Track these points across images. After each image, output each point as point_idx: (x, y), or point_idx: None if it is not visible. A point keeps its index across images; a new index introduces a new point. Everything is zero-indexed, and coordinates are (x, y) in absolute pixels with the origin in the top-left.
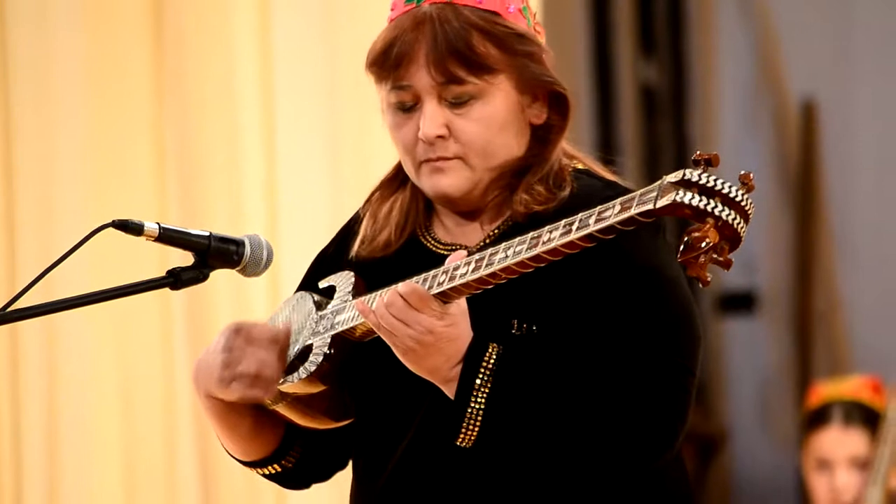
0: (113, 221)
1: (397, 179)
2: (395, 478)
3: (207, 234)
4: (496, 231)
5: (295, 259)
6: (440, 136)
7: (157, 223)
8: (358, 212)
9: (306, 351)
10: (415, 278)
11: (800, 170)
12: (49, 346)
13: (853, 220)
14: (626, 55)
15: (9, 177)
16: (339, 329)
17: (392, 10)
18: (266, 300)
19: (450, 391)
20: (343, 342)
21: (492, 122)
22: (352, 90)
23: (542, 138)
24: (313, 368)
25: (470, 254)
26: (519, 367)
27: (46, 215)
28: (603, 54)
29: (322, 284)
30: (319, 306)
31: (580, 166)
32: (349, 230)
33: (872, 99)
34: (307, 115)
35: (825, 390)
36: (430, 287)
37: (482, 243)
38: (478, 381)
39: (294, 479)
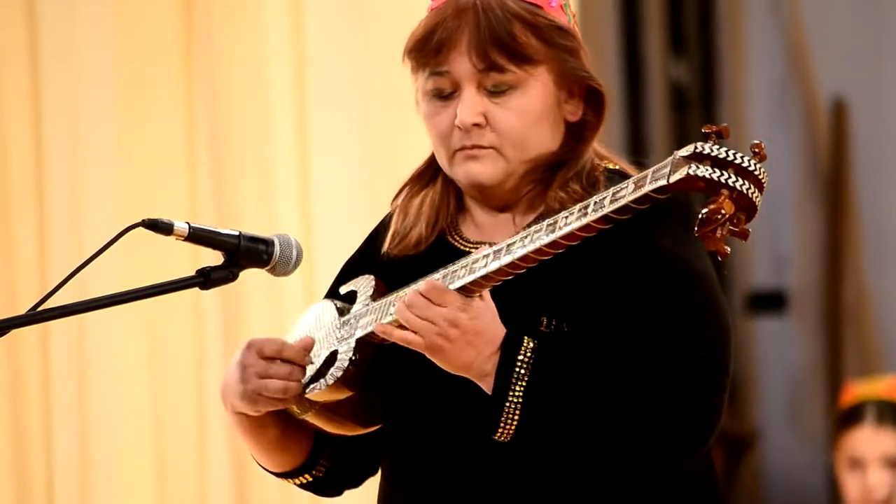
0: (143, 221)
1: (428, 173)
2: (425, 476)
3: (237, 233)
4: (530, 225)
5: (329, 257)
6: (476, 125)
7: (187, 222)
8: (387, 215)
9: (332, 358)
10: (433, 274)
11: (830, 168)
12: (80, 347)
13: (883, 219)
14: (656, 53)
15: (39, 176)
16: (363, 333)
17: (433, 1)
18: (301, 299)
19: (486, 386)
20: (367, 346)
21: (529, 113)
22: (386, 85)
23: (576, 135)
24: (339, 374)
25: None
26: (555, 360)
27: (77, 214)
28: (633, 52)
29: (343, 290)
30: (342, 312)
31: (611, 166)
32: (376, 234)
33: None
34: (340, 111)
35: (859, 389)
36: (451, 282)
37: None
38: (515, 375)
39: (326, 487)
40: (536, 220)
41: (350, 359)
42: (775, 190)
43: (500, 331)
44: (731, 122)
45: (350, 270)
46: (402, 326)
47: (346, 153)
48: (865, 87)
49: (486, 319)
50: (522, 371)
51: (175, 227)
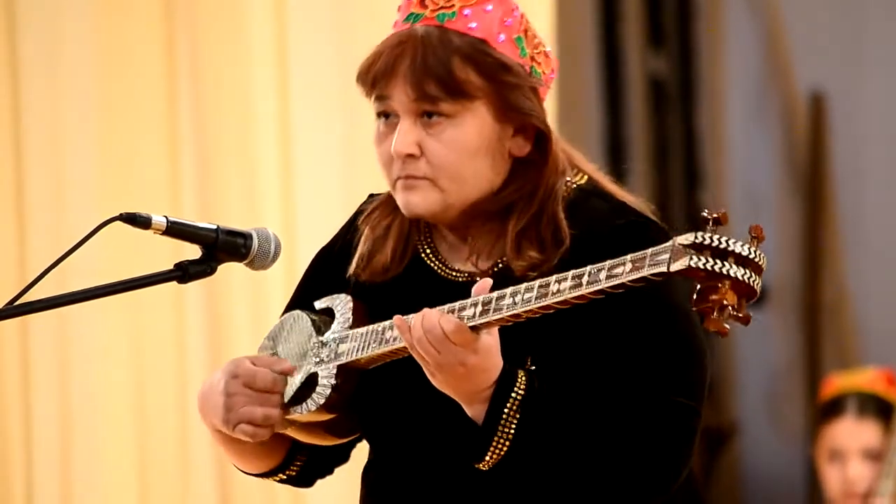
0: (121, 215)
1: None
2: (406, 495)
3: (215, 227)
4: (491, 270)
5: (311, 251)
6: (410, 155)
7: (165, 216)
8: (356, 220)
9: (311, 379)
10: (442, 308)
11: (808, 162)
12: (61, 340)
13: (862, 213)
14: (634, 47)
15: (19, 169)
16: (344, 360)
17: (393, 27)
18: (283, 292)
19: (473, 412)
20: (349, 371)
21: (463, 147)
22: None
23: (526, 171)
24: (322, 401)
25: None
26: (545, 398)
27: (58, 208)
28: (611, 46)
29: (319, 305)
30: (319, 330)
31: (582, 181)
32: (348, 236)
33: (881, 91)
34: (322, 106)
35: (839, 382)
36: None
37: (494, 269)
38: (507, 410)
39: (299, 481)
40: (496, 267)
41: (332, 385)
42: (753, 185)
43: (499, 367)
44: (709, 115)
45: (320, 267)
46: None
47: (328, 148)
48: (844, 81)
49: (493, 360)
50: (515, 407)
51: (153, 221)
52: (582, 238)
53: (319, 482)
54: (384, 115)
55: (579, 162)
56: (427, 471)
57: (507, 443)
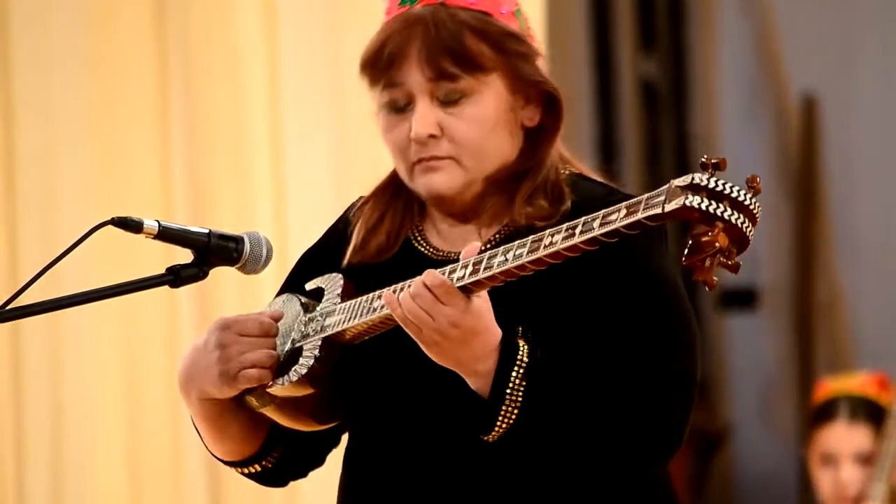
0: (112, 219)
1: (391, 188)
2: (390, 477)
3: (207, 231)
4: (496, 237)
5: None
6: (432, 136)
7: (157, 221)
8: (346, 215)
9: (296, 353)
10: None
11: (800, 165)
12: (53, 344)
13: (854, 215)
14: (626, 50)
15: (11, 173)
16: (330, 332)
17: (386, 14)
18: (273, 296)
19: (476, 384)
20: (333, 345)
21: (484, 121)
22: (358, 81)
23: (535, 141)
24: (304, 371)
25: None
26: (547, 367)
27: (49, 212)
28: (603, 49)
29: (309, 286)
30: (307, 308)
31: (574, 171)
32: (338, 232)
33: (873, 94)
34: (314, 110)
35: (831, 385)
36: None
37: (482, 249)
38: (513, 379)
39: (273, 478)
40: (503, 231)
41: (315, 356)
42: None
43: (495, 333)
44: (701, 118)
45: (311, 261)
46: (386, 320)
47: (320, 151)
48: (836, 83)
49: (486, 322)
50: (521, 374)
51: (145, 226)
52: (581, 208)
53: (312, 488)
54: (392, 105)
55: (567, 155)
56: (413, 450)
57: (516, 411)
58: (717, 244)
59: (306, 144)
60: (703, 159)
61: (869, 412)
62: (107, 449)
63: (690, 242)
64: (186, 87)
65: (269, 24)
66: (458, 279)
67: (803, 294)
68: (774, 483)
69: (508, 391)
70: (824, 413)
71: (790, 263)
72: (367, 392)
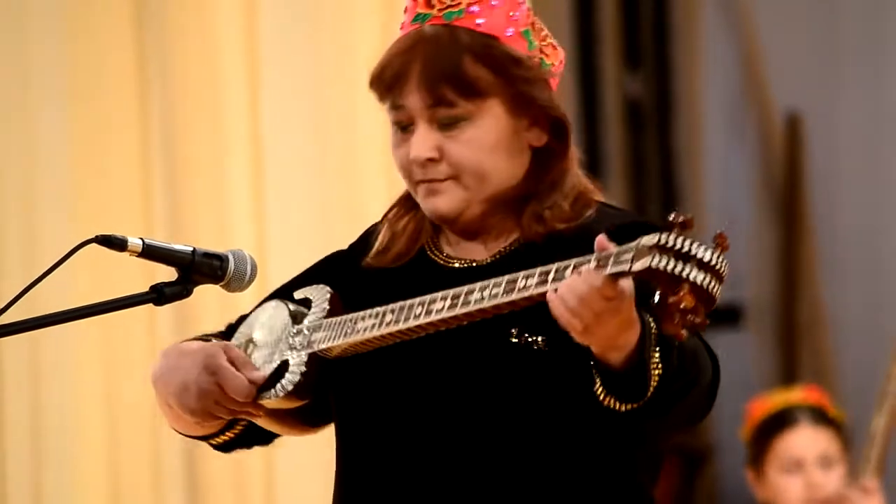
0: (96, 237)
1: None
2: (383, 480)
3: (191, 249)
4: (505, 249)
5: (283, 272)
6: (431, 159)
7: (141, 238)
8: (377, 224)
9: (283, 366)
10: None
11: (785, 182)
12: (33, 363)
13: (838, 233)
14: (611, 68)
15: None
16: (316, 349)
17: (401, 28)
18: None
19: (616, 357)
20: (320, 360)
21: (482, 145)
22: (340, 95)
23: (544, 162)
24: (290, 387)
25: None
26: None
27: (30, 231)
28: (588, 67)
29: (298, 295)
30: (296, 318)
31: (597, 199)
32: (367, 237)
33: (857, 112)
34: (295, 127)
35: (775, 399)
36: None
37: (490, 260)
38: (652, 345)
39: (236, 447)
40: (513, 244)
41: (302, 371)
42: (730, 205)
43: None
44: (686, 136)
45: (335, 263)
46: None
47: (301, 168)
48: (820, 101)
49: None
50: (654, 341)
51: (129, 243)
52: (595, 230)
53: (290, 482)
54: (398, 124)
55: (592, 189)
56: (410, 451)
57: (657, 376)
58: (682, 304)
59: (287, 161)
60: (671, 217)
61: (826, 418)
62: (87, 466)
63: (658, 300)
64: (166, 102)
65: (249, 34)
66: (436, 311)
67: (787, 311)
68: (758, 502)
69: (651, 357)
70: (782, 421)
71: (774, 281)
72: (362, 395)
